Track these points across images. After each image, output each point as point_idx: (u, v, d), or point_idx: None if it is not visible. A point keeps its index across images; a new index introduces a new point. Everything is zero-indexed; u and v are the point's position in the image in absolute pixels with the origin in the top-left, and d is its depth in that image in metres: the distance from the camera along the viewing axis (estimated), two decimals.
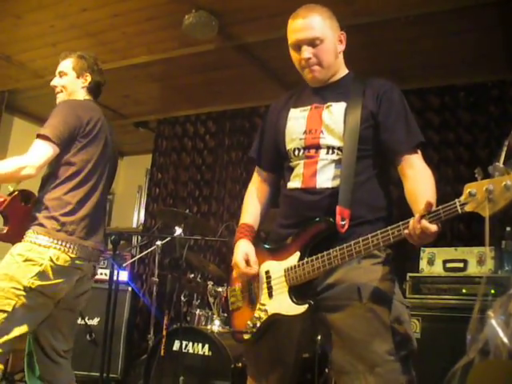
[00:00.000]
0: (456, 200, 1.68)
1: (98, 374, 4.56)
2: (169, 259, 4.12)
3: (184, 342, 3.74)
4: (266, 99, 5.62)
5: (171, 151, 6.43)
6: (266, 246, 2.16)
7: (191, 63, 5.12)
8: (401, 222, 1.78)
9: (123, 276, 4.84)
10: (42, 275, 2.49)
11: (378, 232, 1.81)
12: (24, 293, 2.46)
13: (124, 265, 4.29)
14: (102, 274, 5.13)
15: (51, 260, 2.51)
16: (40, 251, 2.51)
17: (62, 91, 2.88)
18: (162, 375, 3.75)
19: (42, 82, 5.21)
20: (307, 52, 2.07)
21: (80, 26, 4.67)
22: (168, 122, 6.56)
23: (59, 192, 2.62)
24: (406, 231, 1.74)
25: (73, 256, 2.57)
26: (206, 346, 3.72)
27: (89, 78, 2.91)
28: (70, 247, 2.56)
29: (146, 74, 5.43)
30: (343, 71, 2.20)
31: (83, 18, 4.53)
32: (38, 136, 2.56)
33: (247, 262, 2.12)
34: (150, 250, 4.24)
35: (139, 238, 6.26)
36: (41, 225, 2.56)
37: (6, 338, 2.43)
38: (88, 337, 4.75)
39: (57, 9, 4.42)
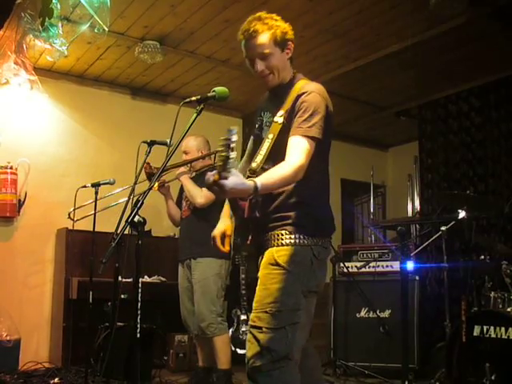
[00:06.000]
0: None
1: (395, 365, 4.68)
2: (457, 243, 4.02)
3: (485, 327, 3.62)
4: None
5: (437, 135, 6.29)
6: None
7: (443, 42, 4.95)
8: None
9: (409, 266, 4.88)
10: (314, 275, 2.49)
11: None
12: (303, 300, 2.45)
13: (412, 254, 4.30)
14: (387, 266, 5.23)
15: (315, 257, 2.48)
16: (304, 252, 2.47)
17: (270, 73, 2.59)
18: (465, 362, 3.66)
19: None
20: None
21: (328, 30, 4.84)
22: (429, 105, 6.44)
23: (309, 188, 2.56)
24: None
25: (326, 247, 2.55)
26: (510, 329, 3.54)
27: (292, 46, 2.68)
28: (324, 240, 2.54)
29: (398, 62, 5.41)
30: None
31: (330, 21, 4.69)
32: (303, 136, 2.43)
33: None
34: (435, 236, 4.18)
35: (417, 226, 6.23)
36: (297, 224, 2.49)
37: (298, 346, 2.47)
38: (381, 329, 4.87)
39: (304, 19, 4.63)
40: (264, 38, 2.49)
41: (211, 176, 2.07)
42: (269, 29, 2.52)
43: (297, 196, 2.49)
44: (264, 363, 2.33)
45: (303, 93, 2.49)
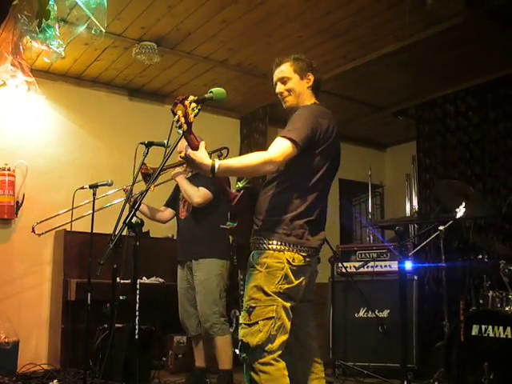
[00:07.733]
0: None
1: (394, 364, 4.68)
2: (455, 243, 4.02)
3: (483, 326, 3.61)
4: None
5: (435, 134, 6.29)
6: None
7: (440, 41, 4.96)
8: None
9: (408, 266, 4.88)
10: (285, 279, 2.55)
11: None
12: (276, 298, 2.52)
13: (410, 254, 4.29)
14: (386, 266, 5.23)
15: (288, 262, 2.55)
16: (276, 256, 2.56)
17: (289, 95, 2.86)
18: (463, 362, 3.66)
19: None
20: None
21: (325, 30, 4.84)
22: (426, 105, 6.44)
23: (288, 196, 2.64)
24: None
25: (304, 255, 2.60)
26: (508, 328, 3.55)
27: (312, 78, 2.87)
28: (300, 248, 2.59)
29: (396, 62, 5.41)
30: None
31: (327, 21, 4.69)
32: (282, 137, 2.54)
33: None
34: (434, 235, 4.18)
35: (416, 225, 6.23)
36: (271, 230, 2.60)
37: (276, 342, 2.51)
38: (380, 329, 4.87)
39: (302, 19, 4.65)
40: (285, 65, 2.87)
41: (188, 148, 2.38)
42: (290, 61, 2.88)
43: (275, 204, 2.65)
44: (244, 356, 2.54)
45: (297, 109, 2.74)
